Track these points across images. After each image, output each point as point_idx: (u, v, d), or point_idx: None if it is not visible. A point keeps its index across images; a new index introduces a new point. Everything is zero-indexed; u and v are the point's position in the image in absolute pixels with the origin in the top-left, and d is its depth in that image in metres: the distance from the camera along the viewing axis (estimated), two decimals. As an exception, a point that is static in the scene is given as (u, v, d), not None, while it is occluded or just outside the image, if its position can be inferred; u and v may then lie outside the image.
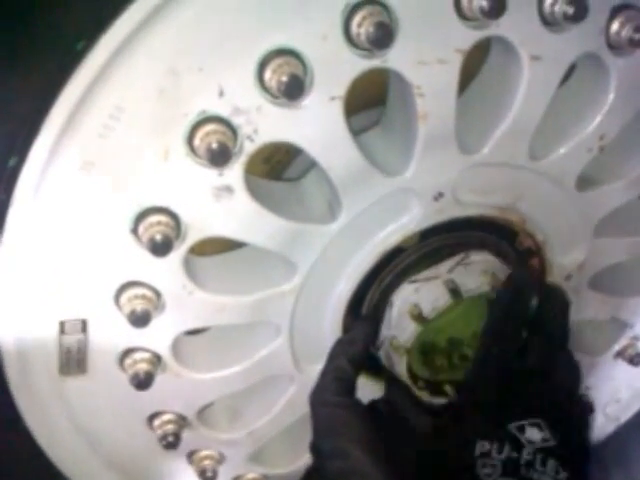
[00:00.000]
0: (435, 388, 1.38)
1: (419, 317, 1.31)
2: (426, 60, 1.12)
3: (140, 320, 1.19)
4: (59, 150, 1.04)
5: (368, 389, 1.39)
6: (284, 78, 1.04)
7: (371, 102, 1.33)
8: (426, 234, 1.32)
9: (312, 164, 1.25)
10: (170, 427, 1.40)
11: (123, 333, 1.24)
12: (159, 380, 1.30)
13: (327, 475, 1.20)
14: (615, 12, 1.18)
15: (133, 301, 1.19)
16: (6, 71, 1.02)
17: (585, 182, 1.37)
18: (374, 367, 1.41)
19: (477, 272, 1.33)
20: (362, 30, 1.05)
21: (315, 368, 1.35)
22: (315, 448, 1.24)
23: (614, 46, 1.20)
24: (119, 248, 1.15)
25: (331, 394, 1.24)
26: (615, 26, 1.18)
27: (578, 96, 1.30)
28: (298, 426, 1.45)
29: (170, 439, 1.39)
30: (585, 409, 1.37)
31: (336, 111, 1.11)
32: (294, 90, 1.05)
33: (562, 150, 1.30)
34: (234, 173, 1.12)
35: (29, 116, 1.01)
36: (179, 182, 1.12)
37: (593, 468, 1.21)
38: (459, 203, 1.29)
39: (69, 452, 1.40)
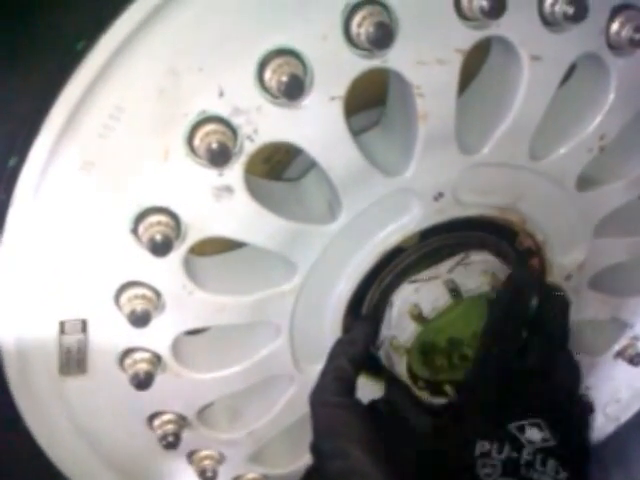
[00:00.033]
0: (435, 388, 1.38)
1: (419, 317, 1.31)
2: (426, 60, 1.12)
3: (140, 320, 1.19)
4: (59, 150, 1.04)
5: (368, 389, 1.39)
6: (284, 78, 1.04)
7: (371, 102, 1.32)
8: (426, 234, 1.32)
9: (312, 164, 1.25)
10: (170, 427, 1.40)
11: (123, 333, 1.24)
12: (159, 380, 1.30)
13: (327, 475, 1.20)
14: (615, 12, 1.18)
15: (133, 301, 1.19)
16: (6, 71, 1.02)
17: (585, 182, 1.37)
18: (374, 367, 1.41)
19: (477, 272, 1.33)
20: (362, 30, 1.05)
21: (315, 368, 1.35)
22: (315, 448, 1.24)
23: (614, 46, 1.20)
24: (119, 248, 1.15)
25: (331, 394, 1.24)
26: (615, 26, 1.18)
27: (578, 96, 1.30)
28: (298, 426, 1.45)
29: (170, 439, 1.39)
30: (585, 409, 1.36)
31: (336, 111, 1.11)
32: (294, 90, 1.05)
33: (562, 150, 1.30)
34: (234, 173, 1.12)
35: (29, 116, 1.01)
36: (179, 182, 1.12)
37: (593, 468, 1.21)
38: (459, 203, 1.29)
39: (69, 452, 1.40)
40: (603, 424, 1.83)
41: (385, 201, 1.25)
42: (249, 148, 1.11)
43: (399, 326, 1.33)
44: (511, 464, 1.14)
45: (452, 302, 1.30)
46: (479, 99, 1.28)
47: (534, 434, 1.17)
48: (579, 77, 1.30)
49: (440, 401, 1.38)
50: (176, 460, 1.51)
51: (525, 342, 1.27)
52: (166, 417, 1.40)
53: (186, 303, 1.24)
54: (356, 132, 1.21)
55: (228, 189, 1.13)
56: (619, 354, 1.71)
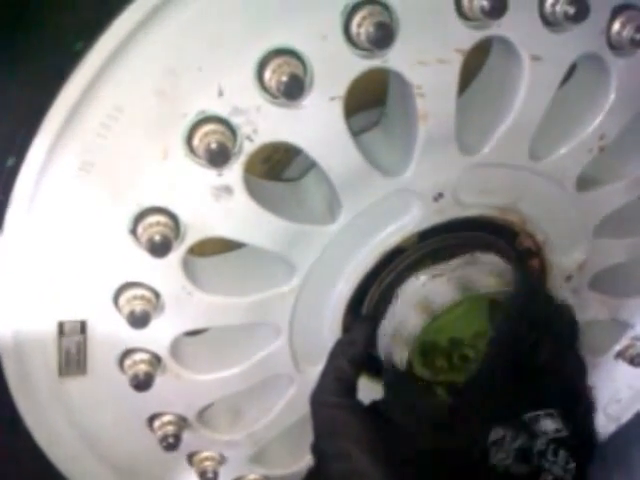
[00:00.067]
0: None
1: (419, 317, 1.30)
2: (426, 60, 1.12)
3: (139, 321, 1.19)
4: (57, 150, 1.04)
5: (369, 390, 1.38)
6: (284, 78, 1.04)
7: (371, 102, 1.32)
8: (426, 234, 1.32)
9: (312, 164, 1.25)
10: (170, 428, 1.40)
11: (122, 334, 1.24)
12: (159, 381, 1.30)
13: (328, 476, 1.20)
14: (616, 12, 1.18)
15: (132, 302, 1.19)
16: (5, 71, 1.02)
17: (585, 182, 1.37)
18: (374, 368, 1.41)
19: (477, 272, 1.33)
20: (362, 30, 1.04)
21: (315, 369, 1.35)
22: (316, 449, 1.24)
23: (615, 46, 1.20)
24: (118, 248, 1.15)
25: (331, 395, 1.24)
26: (616, 26, 1.18)
27: (579, 96, 1.29)
28: (299, 427, 1.45)
29: (170, 440, 1.39)
30: (591, 404, 1.37)
31: (336, 111, 1.11)
32: (294, 90, 1.05)
33: (562, 150, 1.30)
34: (233, 173, 1.12)
35: (27, 116, 1.01)
36: (178, 182, 1.11)
37: (594, 468, 1.21)
38: (459, 203, 1.29)
39: (69, 453, 1.40)
40: (604, 424, 1.82)
41: (385, 201, 1.24)
42: (248, 148, 1.11)
43: (400, 325, 1.33)
44: (524, 452, 1.16)
45: (452, 302, 1.29)
46: (479, 99, 1.28)
47: (548, 425, 1.18)
48: (579, 77, 1.30)
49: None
50: (176, 461, 1.50)
51: (536, 340, 1.28)
52: (166, 418, 1.40)
53: (185, 304, 1.24)
54: (356, 132, 1.20)
55: (227, 189, 1.13)
56: (620, 354, 1.70)
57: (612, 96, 1.26)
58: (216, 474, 1.50)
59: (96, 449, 1.42)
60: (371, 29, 1.03)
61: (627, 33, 1.18)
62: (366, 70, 1.10)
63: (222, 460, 1.51)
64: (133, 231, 1.14)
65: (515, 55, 1.18)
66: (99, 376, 1.29)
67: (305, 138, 1.13)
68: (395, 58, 1.10)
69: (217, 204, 1.14)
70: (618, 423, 1.84)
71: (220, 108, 1.07)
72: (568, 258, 1.46)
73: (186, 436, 1.42)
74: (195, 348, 1.37)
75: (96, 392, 1.32)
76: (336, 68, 1.08)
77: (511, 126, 1.23)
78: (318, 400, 1.25)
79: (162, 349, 1.29)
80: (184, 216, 1.14)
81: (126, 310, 1.19)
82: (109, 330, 1.24)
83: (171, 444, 1.39)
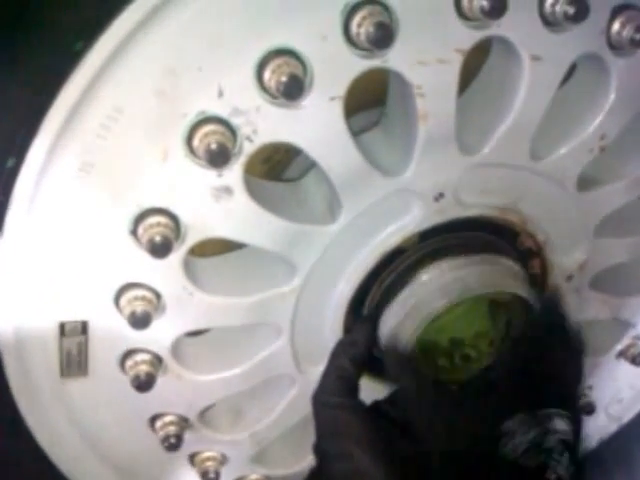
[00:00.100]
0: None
1: (420, 317, 1.30)
2: (426, 60, 1.12)
3: (140, 322, 1.19)
4: (57, 151, 1.04)
5: (370, 390, 1.38)
6: (283, 78, 1.04)
7: (371, 102, 1.32)
8: (427, 235, 1.32)
9: (312, 164, 1.25)
10: (172, 429, 1.40)
11: (124, 335, 1.24)
12: (160, 382, 1.30)
13: (330, 476, 1.20)
14: (616, 12, 1.18)
15: (133, 303, 1.19)
16: (4, 71, 1.02)
17: (586, 182, 1.36)
18: (376, 368, 1.41)
19: (478, 272, 1.32)
20: (362, 30, 1.04)
21: (316, 369, 1.35)
22: (318, 449, 1.24)
23: (615, 46, 1.20)
24: (118, 249, 1.15)
25: (333, 395, 1.24)
26: (616, 26, 1.18)
27: (579, 96, 1.29)
28: (301, 427, 1.45)
29: (172, 441, 1.39)
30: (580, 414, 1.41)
31: (336, 111, 1.11)
32: (293, 90, 1.05)
33: (563, 150, 1.30)
34: (233, 174, 1.12)
35: (27, 117, 1.01)
36: (178, 183, 1.11)
37: (595, 471, 1.23)
38: (460, 203, 1.29)
39: (70, 453, 1.40)
40: (605, 424, 1.83)
41: (385, 201, 1.24)
42: (248, 149, 1.11)
43: (401, 323, 1.33)
44: (534, 447, 1.17)
45: (453, 302, 1.29)
46: (479, 99, 1.27)
47: (559, 425, 1.19)
48: (580, 77, 1.30)
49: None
50: (178, 462, 1.50)
51: (549, 345, 1.30)
52: (168, 419, 1.40)
53: (186, 304, 1.24)
54: (356, 132, 1.20)
55: (227, 190, 1.13)
56: (621, 354, 1.70)
57: (612, 96, 1.26)
58: (218, 474, 1.50)
59: (98, 450, 1.42)
60: (371, 29, 1.03)
61: (627, 33, 1.18)
62: (366, 70, 1.10)
63: (224, 460, 1.51)
64: (134, 232, 1.14)
65: (515, 55, 1.18)
66: (100, 377, 1.29)
67: (305, 138, 1.13)
68: (395, 58, 1.10)
69: (217, 205, 1.14)
70: (619, 423, 1.84)
71: (220, 108, 1.07)
72: (569, 258, 1.46)
73: (188, 436, 1.42)
74: (196, 349, 1.37)
75: (97, 393, 1.32)
76: (336, 68, 1.08)
77: (511, 126, 1.23)
78: (320, 400, 1.25)
79: (163, 350, 1.29)
80: (184, 217, 1.14)
81: (127, 311, 1.19)
82: (110, 331, 1.24)
83: (173, 444, 1.39)
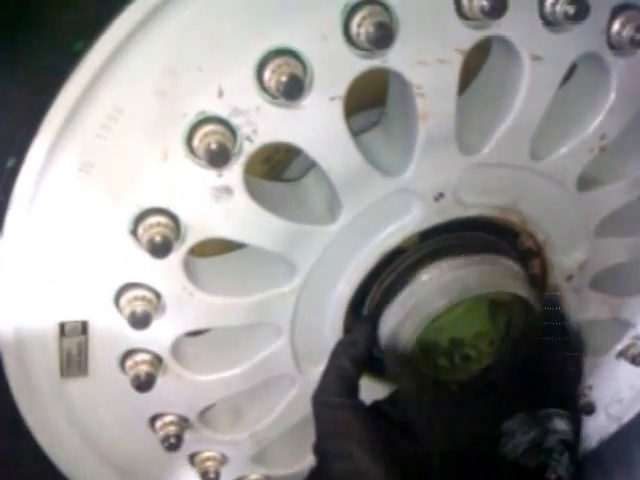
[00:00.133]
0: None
1: (420, 317, 1.30)
2: (426, 60, 1.12)
3: (140, 322, 1.19)
4: (57, 151, 1.04)
5: (370, 390, 1.38)
6: (283, 78, 1.03)
7: (371, 102, 1.32)
8: (427, 235, 1.32)
9: (312, 164, 1.25)
10: (172, 429, 1.40)
11: (124, 335, 1.24)
12: (160, 382, 1.30)
13: (330, 476, 1.20)
14: (616, 12, 1.18)
15: (133, 303, 1.19)
16: (4, 72, 1.02)
17: (586, 182, 1.36)
18: (376, 368, 1.41)
19: (478, 272, 1.32)
20: (362, 30, 1.04)
21: (317, 369, 1.35)
22: (318, 449, 1.24)
23: (615, 46, 1.20)
24: (118, 249, 1.15)
25: (333, 395, 1.24)
26: (616, 26, 1.18)
27: (579, 96, 1.29)
28: (301, 427, 1.45)
29: (172, 441, 1.39)
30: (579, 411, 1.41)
31: (336, 111, 1.11)
32: (293, 90, 1.05)
33: (563, 150, 1.30)
34: (233, 174, 1.12)
35: (27, 117, 1.01)
36: (178, 183, 1.11)
37: (595, 471, 1.23)
38: (460, 203, 1.29)
39: (70, 454, 1.40)
40: (605, 424, 1.83)
41: (385, 201, 1.24)
42: (248, 149, 1.11)
43: (404, 320, 1.33)
44: (534, 447, 1.17)
45: (453, 302, 1.29)
46: (479, 99, 1.27)
47: (559, 425, 1.19)
48: (580, 77, 1.30)
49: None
50: (178, 462, 1.50)
51: (549, 346, 1.31)
52: (168, 419, 1.40)
53: (186, 304, 1.24)
54: (356, 132, 1.20)
55: (227, 190, 1.13)
56: (621, 354, 1.70)
57: (612, 96, 1.26)
58: (218, 474, 1.50)
59: (98, 450, 1.42)
60: (371, 29, 1.03)
61: (627, 33, 1.18)
62: (366, 70, 1.10)
63: (224, 460, 1.51)
64: (134, 232, 1.14)
65: (515, 55, 1.18)
66: (100, 377, 1.29)
67: (305, 138, 1.13)
68: (395, 58, 1.10)
69: (217, 205, 1.14)
70: (619, 423, 1.84)
71: (220, 108, 1.07)
72: (569, 258, 1.46)
73: (188, 436, 1.42)
74: (196, 349, 1.37)
75: (97, 393, 1.32)
76: (336, 68, 1.08)
77: (511, 126, 1.23)
78: (320, 400, 1.25)
79: (163, 350, 1.29)
80: (184, 217, 1.14)
81: (127, 311, 1.19)
82: (110, 331, 1.24)
83: (173, 444, 1.39)
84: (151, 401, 1.35)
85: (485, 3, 1.05)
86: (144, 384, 1.27)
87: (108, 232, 1.14)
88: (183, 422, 1.41)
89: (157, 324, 1.22)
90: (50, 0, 1.01)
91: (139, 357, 1.28)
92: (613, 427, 1.84)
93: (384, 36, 1.04)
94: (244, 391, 1.41)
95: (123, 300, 1.20)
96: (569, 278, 1.48)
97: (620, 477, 1.88)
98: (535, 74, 1.18)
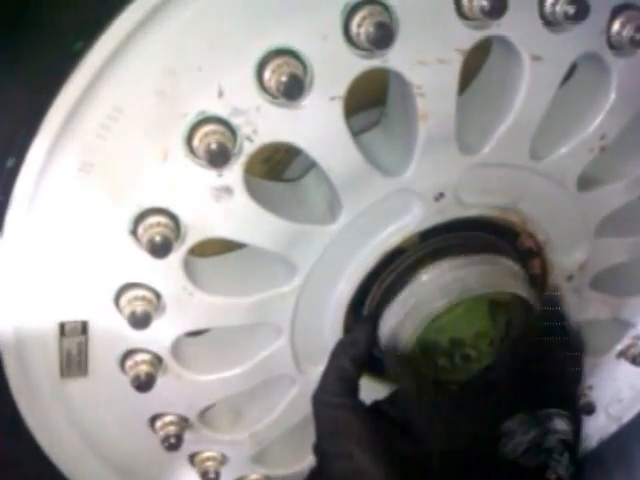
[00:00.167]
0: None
1: (420, 317, 1.30)
2: (426, 60, 1.12)
3: (140, 322, 1.19)
4: (57, 151, 1.04)
5: (370, 390, 1.38)
6: (283, 78, 1.03)
7: (371, 102, 1.32)
8: (427, 234, 1.32)
9: (312, 164, 1.25)
10: (172, 429, 1.40)
11: (124, 335, 1.24)
12: (160, 382, 1.30)
13: (330, 476, 1.20)
14: (616, 12, 1.18)
15: (133, 303, 1.19)
16: (4, 72, 1.02)
17: (586, 182, 1.36)
18: (376, 368, 1.41)
19: (478, 272, 1.32)
20: (362, 30, 1.04)
21: (317, 369, 1.35)
22: (318, 449, 1.24)
23: (615, 46, 1.20)
24: (118, 249, 1.15)
25: (334, 395, 1.24)
26: (616, 26, 1.18)
27: (579, 96, 1.29)
28: (301, 427, 1.45)
29: (172, 441, 1.39)
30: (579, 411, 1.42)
31: (336, 111, 1.11)
32: (294, 90, 1.05)
33: (563, 150, 1.30)
34: (233, 174, 1.12)
35: (27, 117, 1.01)
36: (178, 183, 1.11)
37: (595, 472, 1.23)
38: (460, 203, 1.29)
39: (70, 454, 1.40)
40: (605, 424, 1.83)
41: (385, 201, 1.24)
42: (248, 148, 1.11)
43: (401, 324, 1.33)
44: (534, 447, 1.17)
45: (453, 302, 1.29)
46: (480, 99, 1.27)
47: (559, 425, 1.20)
48: (580, 77, 1.29)
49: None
50: (178, 462, 1.50)
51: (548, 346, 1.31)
52: (168, 419, 1.40)
53: (186, 304, 1.24)
54: (356, 132, 1.20)
55: (227, 190, 1.13)
56: (621, 354, 1.70)
57: (612, 96, 1.26)
58: (218, 474, 1.50)
59: (98, 450, 1.42)
60: (371, 29, 1.03)
61: (627, 33, 1.17)
62: (366, 70, 1.10)
63: (224, 460, 1.51)
64: (133, 232, 1.14)
65: (515, 55, 1.18)
66: (100, 377, 1.29)
67: (305, 138, 1.13)
68: (395, 58, 1.10)
69: (217, 205, 1.14)
70: (619, 423, 1.84)
71: (220, 108, 1.07)
72: (569, 258, 1.46)
73: (188, 436, 1.42)
74: (196, 349, 1.37)
75: (97, 393, 1.32)
76: (336, 68, 1.08)
77: (511, 126, 1.23)
78: (320, 400, 1.25)
79: (163, 350, 1.29)
80: (184, 217, 1.14)
81: (127, 311, 1.19)
82: (110, 331, 1.24)
83: (173, 444, 1.39)
84: (151, 401, 1.35)
85: (485, 3, 1.05)
86: (144, 384, 1.27)
87: (108, 232, 1.13)
88: (183, 422, 1.41)
89: (157, 324, 1.22)
90: (50, 0, 1.00)
91: (139, 357, 1.28)
92: (613, 427, 1.84)
93: (384, 36, 1.04)
94: (244, 391, 1.41)
95: (123, 300, 1.20)
96: (569, 278, 1.48)
97: (620, 477, 1.88)
98: (535, 74, 1.18)
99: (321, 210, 1.27)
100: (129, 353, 1.28)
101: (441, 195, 1.26)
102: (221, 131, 1.07)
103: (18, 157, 1.03)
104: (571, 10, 1.10)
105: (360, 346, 1.30)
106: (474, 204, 1.31)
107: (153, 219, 1.12)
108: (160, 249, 1.12)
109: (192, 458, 1.50)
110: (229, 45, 1.04)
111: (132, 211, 1.12)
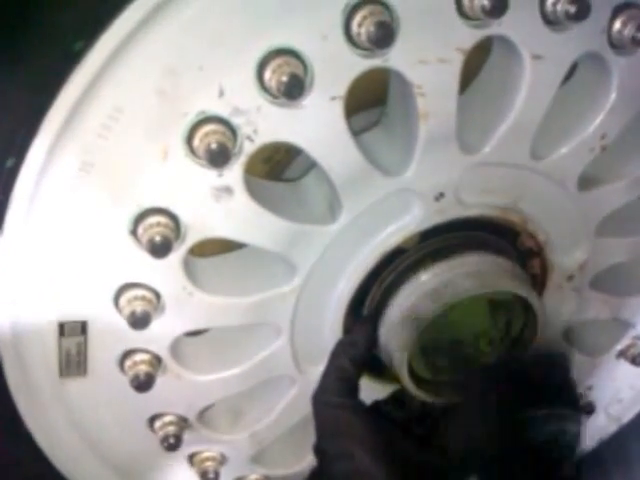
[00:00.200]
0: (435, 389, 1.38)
1: (420, 317, 1.30)
2: (427, 59, 1.12)
3: (140, 322, 1.19)
4: (57, 151, 1.04)
5: (371, 390, 1.38)
6: (284, 78, 1.03)
7: (371, 102, 1.32)
8: (427, 234, 1.32)
9: (312, 164, 1.25)
10: (171, 429, 1.40)
11: (123, 335, 1.24)
12: (159, 382, 1.30)
13: (331, 476, 1.20)
14: (617, 11, 1.18)
15: (133, 302, 1.19)
16: (4, 72, 1.02)
17: (587, 182, 1.36)
18: (376, 368, 1.41)
19: (478, 272, 1.32)
20: (363, 30, 1.04)
21: (316, 369, 1.35)
22: (318, 449, 1.24)
23: (616, 45, 1.20)
24: (118, 249, 1.15)
25: (334, 395, 1.24)
26: (617, 25, 1.18)
27: (580, 95, 1.29)
28: (301, 427, 1.46)
29: (171, 441, 1.39)
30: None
31: (336, 111, 1.11)
32: (294, 90, 1.05)
33: (564, 150, 1.30)
34: (234, 174, 1.12)
35: (27, 116, 1.01)
36: (178, 183, 1.11)
37: (594, 472, 1.23)
38: (460, 203, 1.29)
39: (70, 454, 1.40)
40: (605, 424, 1.83)
41: (386, 201, 1.24)
42: (249, 148, 1.10)
43: (400, 325, 1.33)
44: (554, 438, 1.19)
45: (452, 302, 1.29)
46: (480, 98, 1.27)
47: (571, 427, 1.20)
48: (581, 76, 1.29)
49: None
50: (177, 462, 1.51)
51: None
52: (167, 419, 1.40)
53: (186, 304, 1.24)
54: (356, 132, 1.20)
55: (228, 190, 1.13)
56: (621, 354, 1.70)
57: (613, 95, 1.25)
58: (217, 474, 1.50)
59: (97, 450, 1.42)
60: (372, 28, 1.03)
61: (628, 32, 1.17)
62: (367, 70, 1.10)
63: (223, 460, 1.51)
64: (133, 232, 1.14)
65: (516, 54, 1.17)
66: (100, 377, 1.29)
67: (305, 138, 1.13)
68: (396, 57, 1.10)
69: (217, 204, 1.14)
70: (619, 423, 1.84)
71: (220, 108, 1.07)
72: (569, 258, 1.46)
73: (187, 436, 1.42)
74: (196, 348, 1.37)
75: (97, 393, 1.32)
76: (336, 68, 1.08)
77: (512, 125, 1.23)
78: (320, 400, 1.25)
79: (163, 350, 1.29)
80: (184, 217, 1.14)
81: (127, 311, 1.19)
82: (109, 331, 1.24)
83: (172, 444, 1.39)
84: (150, 401, 1.35)
85: (486, 2, 1.05)
86: (143, 384, 1.27)
87: (108, 232, 1.13)
88: (182, 422, 1.41)
89: (156, 324, 1.22)
90: (50, 0, 1.00)
91: (138, 357, 1.28)
92: (613, 427, 1.84)
93: (385, 35, 1.04)
94: (244, 391, 1.41)
95: (123, 300, 1.20)
96: (570, 278, 1.48)
97: (619, 477, 1.89)
98: (536, 73, 1.18)
99: (321, 210, 1.27)
100: (128, 353, 1.28)
101: (441, 195, 1.26)
102: (221, 131, 1.07)
103: (18, 157, 1.03)
104: (572, 9, 1.10)
105: (360, 346, 1.30)
106: (474, 204, 1.31)
107: (153, 219, 1.12)
108: (160, 249, 1.12)
109: (191, 458, 1.51)
110: (230, 45, 1.04)
111: (132, 211, 1.12)
